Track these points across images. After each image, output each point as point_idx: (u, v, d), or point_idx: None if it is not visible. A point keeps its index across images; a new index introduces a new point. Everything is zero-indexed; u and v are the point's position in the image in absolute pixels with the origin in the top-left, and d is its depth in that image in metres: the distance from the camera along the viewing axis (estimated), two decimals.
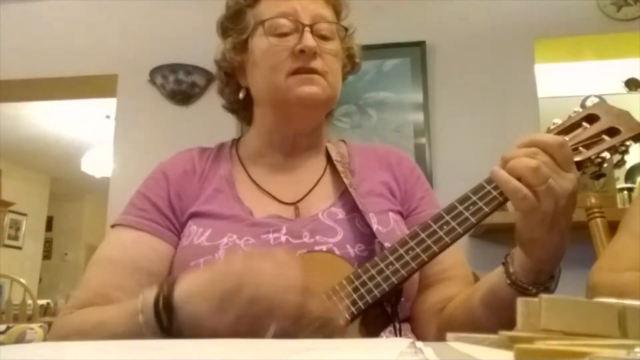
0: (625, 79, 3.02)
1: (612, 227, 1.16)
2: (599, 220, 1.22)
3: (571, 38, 2.37)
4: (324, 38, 0.82)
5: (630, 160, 2.64)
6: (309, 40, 0.79)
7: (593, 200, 1.24)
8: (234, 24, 0.88)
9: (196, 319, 0.57)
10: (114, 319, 0.65)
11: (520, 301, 0.33)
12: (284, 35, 0.81)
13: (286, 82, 0.80)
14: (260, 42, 0.83)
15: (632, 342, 0.28)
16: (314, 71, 0.80)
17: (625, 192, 2.13)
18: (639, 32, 2.26)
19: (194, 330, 0.57)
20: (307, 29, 0.80)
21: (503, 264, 0.68)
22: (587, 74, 2.89)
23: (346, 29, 0.88)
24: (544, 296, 0.31)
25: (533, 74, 2.29)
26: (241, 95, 0.88)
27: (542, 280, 0.66)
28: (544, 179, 0.59)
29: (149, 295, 0.61)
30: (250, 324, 0.55)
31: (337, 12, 0.89)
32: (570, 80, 2.84)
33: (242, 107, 0.92)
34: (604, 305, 0.32)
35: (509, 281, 0.66)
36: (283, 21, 0.81)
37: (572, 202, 0.62)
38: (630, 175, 2.57)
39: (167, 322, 0.58)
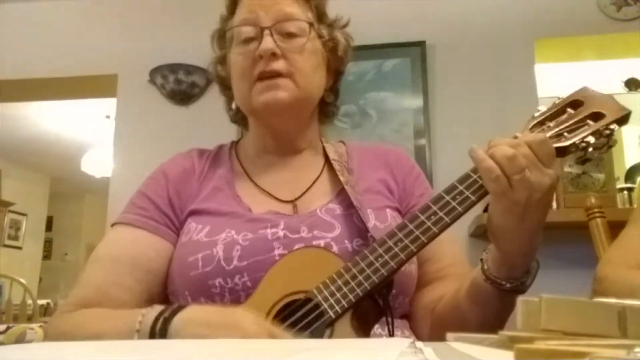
0: (625, 79, 3.02)
1: (612, 227, 1.16)
2: (599, 220, 1.22)
3: (571, 38, 2.37)
4: (290, 36, 0.81)
5: (630, 160, 2.65)
6: (266, 42, 0.78)
7: (593, 200, 1.24)
8: (220, 39, 0.90)
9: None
10: (111, 333, 0.64)
11: (520, 301, 0.32)
12: (247, 42, 0.82)
13: (251, 90, 0.80)
14: (232, 54, 0.85)
15: (632, 342, 0.28)
16: (277, 74, 0.79)
17: (625, 192, 2.13)
18: (639, 32, 2.26)
19: None
20: (266, 32, 0.79)
21: (481, 260, 0.69)
22: (587, 74, 2.89)
23: (311, 23, 0.84)
24: (544, 296, 0.31)
25: (533, 74, 2.29)
26: (233, 105, 0.90)
27: (516, 275, 0.66)
28: (519, 168, 0.60)
29: (149, 317, 0.61)
30: None
31: (317, 6, 0.87)
32: (570, 80, 2.84)
33: (240, 117, 0.93)
34: (604, 305, 0.32)
35: (483, 277, 0.67)
36: (245, 28, 0.82)
37: (547, 198, 0.63)
38: (630, 175, 2.57)
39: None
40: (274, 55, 0.79)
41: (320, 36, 0.86)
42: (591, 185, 2.14)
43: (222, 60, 0.89)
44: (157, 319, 0.60)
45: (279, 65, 0.79)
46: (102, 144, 4.54)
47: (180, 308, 0.61)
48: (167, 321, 0.59)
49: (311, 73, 0.83)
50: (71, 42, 2.69)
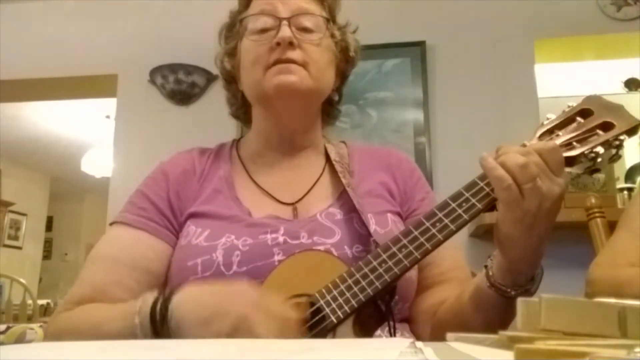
0: (625, 79, 3.02)
1: (612, 227, 1.16)
2: (599, 220, 1.22)
3: (571, 38, 2.37)
4: (305, 30, 0.83)
5: (630, 160, 2.64)
6: (284, 31, 0.79)
7: (593, 200, 1.24)
8: (229, 32, 0.90)
9: (180, 325, 0.59)
10: (110, 320, 0.65)
11: (520, 301, 0.32)
12: (264, 32, 0.82)
13: (264, 74, 0.80)
14: (244, 43, 0.85)
15: (632, 342, 0.28)
16: (291, 62, 0.80)
17: (625, 192, 2.13)
18: (639, 32, 2.26)
19: (178, 336, 0.59)
20: (284, 22, 0.80)
21: (485, 266, 0.69)
22: (587, 74, 2.89)
23: (328, 20, 0.86)
24: (544, 296, 0.31)
25: (533, 74, 2.29)
26: (239, 97, 0.90)
27: (521, 282, 0.66)
28: (531, 177, 0.59)
29: (149, 298, 0.62)
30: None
31: (330, 8, 0.89)
32: (570, 80, 2.84)
33: (243, 112, 0.93)
34: (604, 305, 0.32)
35: (488, 283, 0.67)
36: (262, 18, 0.83)
37: (557, 207, 0.62)
38: (630, 175, 2.56)
39: (160, 325, 0.60)
40: (291, 45, 0.79)
41: (332, 36, 0.87)
42: (591, 185, 2.14)
43: (231, 52, 0.89)
44: (156, 300, 0.61)
45: (295, 54, 0.80)
46: (102, 144, 4.54)
47: (177, 289, 0.62)
48: (166, 301, 0.60)
49: (324, 67, 0.84)
50: (71, 42, 2.69)
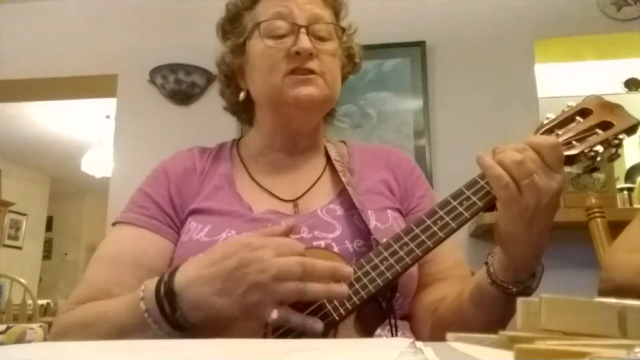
0: (625, 79, 3.03)
1: (612, 227, 1.16)
2: (599, 220, 1.22)
3: (571, 38, 2.37)
4: (321, 39, 0.83)
5: (630, 160, 2.65)
6: (305, 41, 0.79)
7: (593, 200, 1.24)
8: (233, 27, 0.89)
9: (199, 302, 0.59)
10: (116, 309, 0.66)
11: (520, 301, 0.32)
12: (280, 37, 0.82)
13: (283, 82, 0.80)
14: (257, 45, 0.84)
15: (632, 342, 0.28)
16: (310, 71, 0.80)
17: (625, 192, 2.13)
18: (639, 32, 2.26)
19: (198, 314, 0.60)
20: (302, 30, 0.80)
21: (486, 263, 0.69)
22: (587, 74, 2.89)
23: (344, 29, 0.88)
24: (544, 296, 0.31)
25: (533, 73, 2.29)
26: (241, 96, 0.89)
27: (522, 279, 0.66)
28: (527, 173, 0.60)
29: (150, 283, 0.63)
30: (252, 306, 0.57)
31: (336, 12, 0.89)
32: (570, 80, 2.84)
33: (242, 109, 0.93)
34: (604, 305, 0.32)
35: (489, 280, 0.67)
36: (279, 22, 0.82)
37: (555, 202, 0.63)
38: (630, 175, 2.57)
39: (169, 308, 0.60)
40: (310, 55, 0.80)
41: (341, 42, 0.88)
42: (591, 185, 2.14)
43: (237, 50, 0.88)
44: (158, 284, 0.62)
45: (313, 64, 0.80)
46: (102, 144, 4.54)
47: (175, 271, 0.62)
48: (169, 284, 0.61)
49: (337, 75, 0.86)
50: (71, 42, 2.69)
